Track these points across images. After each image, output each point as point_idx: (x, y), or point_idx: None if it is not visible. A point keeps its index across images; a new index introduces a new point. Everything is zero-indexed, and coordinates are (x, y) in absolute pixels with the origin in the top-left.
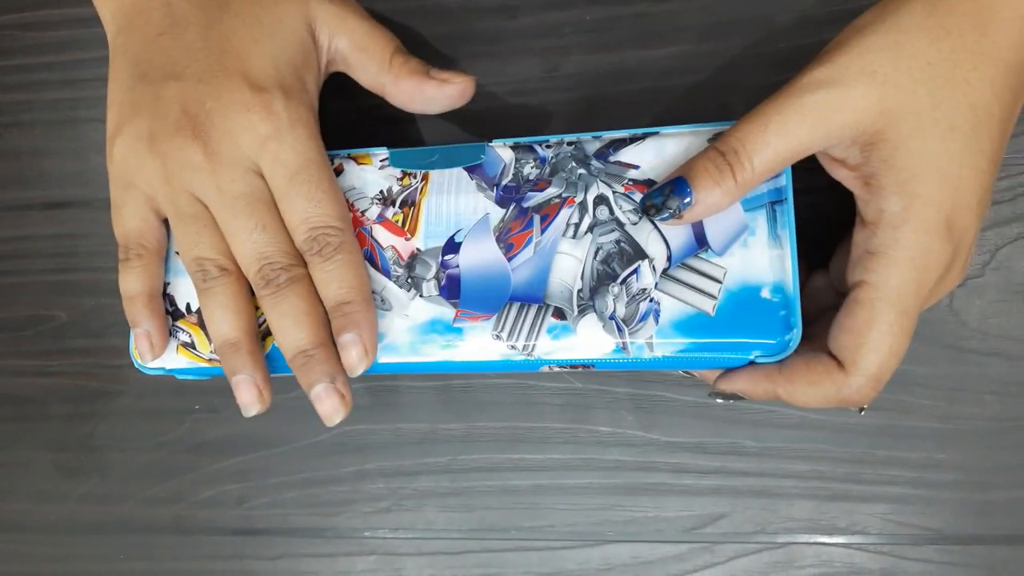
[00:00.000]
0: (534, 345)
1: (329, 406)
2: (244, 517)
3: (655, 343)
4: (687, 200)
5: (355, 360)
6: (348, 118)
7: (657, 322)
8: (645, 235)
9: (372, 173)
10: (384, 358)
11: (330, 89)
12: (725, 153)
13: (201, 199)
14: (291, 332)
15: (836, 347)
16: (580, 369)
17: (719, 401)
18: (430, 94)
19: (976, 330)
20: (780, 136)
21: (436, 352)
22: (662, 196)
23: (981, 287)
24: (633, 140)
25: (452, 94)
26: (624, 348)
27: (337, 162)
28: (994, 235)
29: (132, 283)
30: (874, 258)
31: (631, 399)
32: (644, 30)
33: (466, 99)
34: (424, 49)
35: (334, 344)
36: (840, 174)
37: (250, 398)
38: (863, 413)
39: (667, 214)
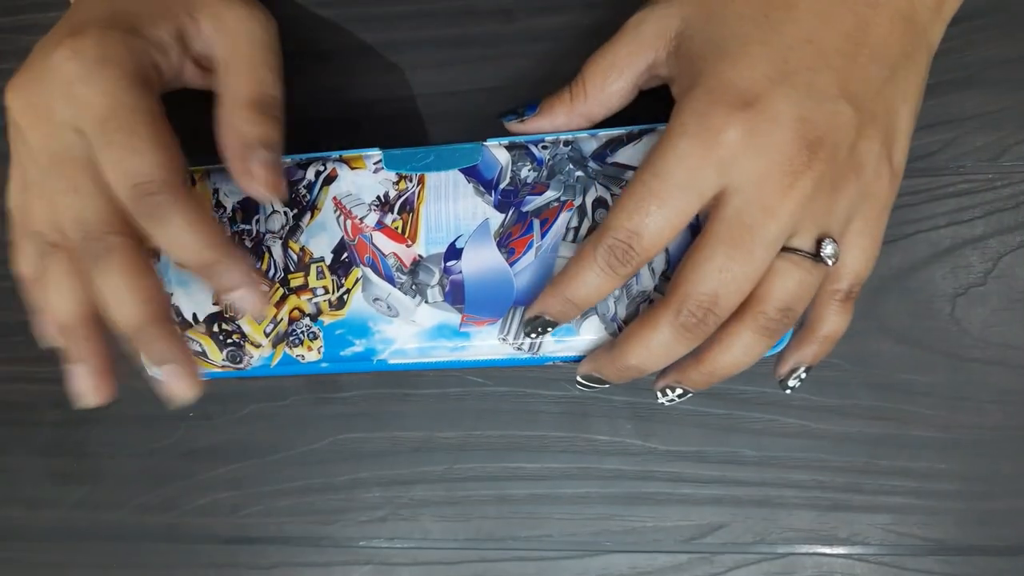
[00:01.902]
0: (539, 345)
1: (174, 390)
2: (238, 525)
3: None
4: (533, 112)
5: (256, 309)
6: (341, 117)
7: None
8: None
9: (367, 177)
10: (394, 360)
11: (318, 87)
12: (571, 81)
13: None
14: (118, 309)
15: None
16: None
17: (584, 389)
18: (233, 169)
19: (978, 339)
20: (605, 56)
21: (445, 355)
22: (516, 105)
23: (983, 295)
24: (630, 139)
25: (246, 189)
26: None
27: (330, 167)
28: (996, 243)
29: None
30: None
31: (629, 407)
32: None
33: (262, 201)
34: (418, 53)
35: (167, 322)
36: (675, 93)
37: (83, 388)
38: (788, 391)
39: (512, 116)
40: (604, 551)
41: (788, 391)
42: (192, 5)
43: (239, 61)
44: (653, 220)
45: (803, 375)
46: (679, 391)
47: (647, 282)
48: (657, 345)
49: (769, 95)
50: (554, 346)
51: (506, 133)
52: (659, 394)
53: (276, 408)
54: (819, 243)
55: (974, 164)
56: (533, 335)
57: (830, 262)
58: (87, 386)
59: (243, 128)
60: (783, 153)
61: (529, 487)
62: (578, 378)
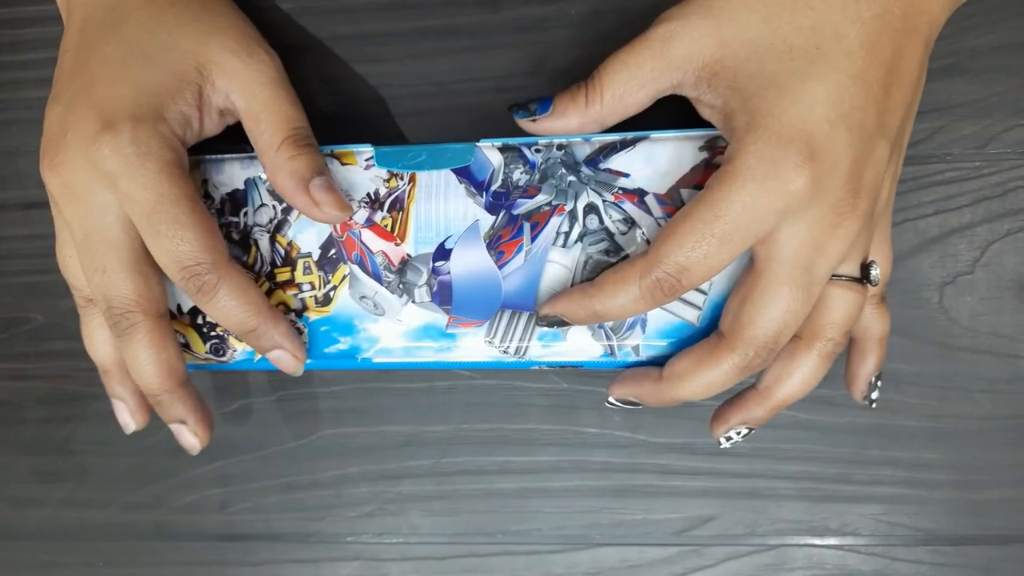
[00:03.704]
0: (526, 349)
1: (183, 443)
2: (226, 522)
3: (641, 349)
4: (545, 111)
5: (292, 368)
6: (327, 111)
7: (644, 331)
8: (634, 245)
9: (358, 174)
10: (379, 359)
11: (300, 80)
12: (587, 79)
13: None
14: (138, 377)
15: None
16: (569, 369)
17: (613, 407)
18: (299, 204)
19: (967, 328)
20: (628, 66)
21: (430, 356)
22: (528, 100)
23: (972, 284)
24: (623, 145)
25: (318, 217)
26: (612, 353)
27: None
28: (984, 231)
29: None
30: (721, 165)
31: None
32: (628, 24)
33: (334, 222)
34: (404, 44)
35: (182, 388)
36: (706, 114)
37: (123, 419)
38: (873, 406)
39: (523, 112)
40: (594, 544)
41: (874, 405)
42: (201, 64)
43: (261, 108)
44: (709, 260)
45: (879, 383)
46: (743, 431)
47: None
48: (715, 383)
49: (830, 142)
50: (540, 351)
51: (491, 129)
52: (722, 440)
53: (263, 404)
54: (863, 267)
55: (961, 152)
56: (545, 327)
57: (876, 283)
58: (125, 418)
59: (289, 167)
60: (836, 196)
61: (518, 481)
62: (611, 399)
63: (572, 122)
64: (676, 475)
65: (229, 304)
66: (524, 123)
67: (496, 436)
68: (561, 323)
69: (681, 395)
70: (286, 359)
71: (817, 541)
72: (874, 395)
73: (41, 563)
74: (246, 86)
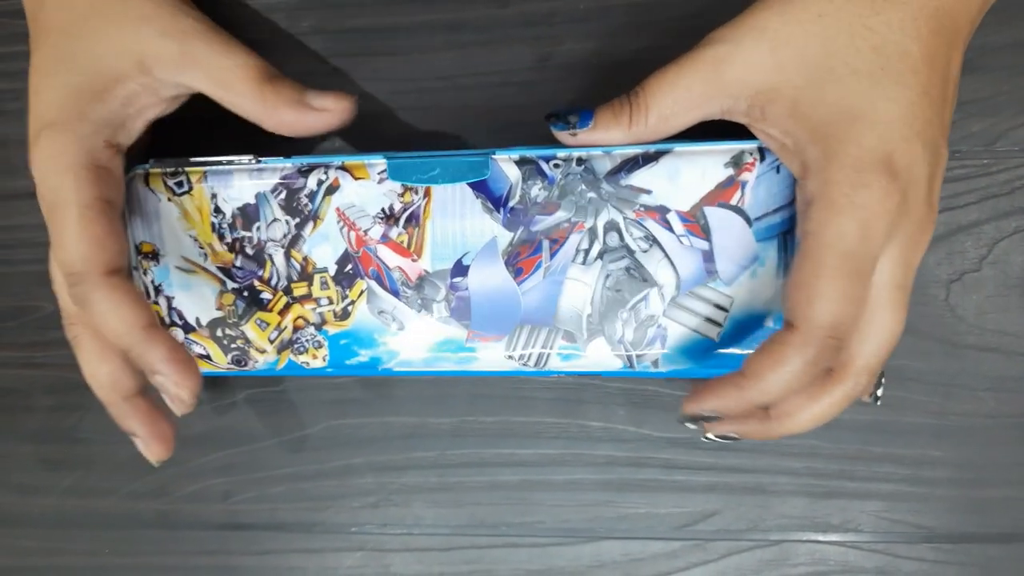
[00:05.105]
0: (547, 360)
1: (142, 452)
2: (230, 512)
3: (660, 363)
4: (586, 126)
5: (169, 392)
6: None
7: (664, 346)
8: (655, 263)
9: (371, 188)
10: (400, 369)
11: (306, 74)
12: (631, 95)
13: None
14: (91, 387)
15: (787, 308)
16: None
17: (708, 442)
18: (310, 123)
19: (973, 325)
20: (676, 87)
21: (450, 366)
22: (567, 111)
23: (978, 281)
24: (646, 160)
25: (332, 122)
26: (631, 365)
27: (332, 175)
28: (992, 229)
29: None
30: (810, 207)
31: (623, 394)
32: (637, 19)
33: (347, 120)
34: (412, 38)
35: (128, 401)
36: (762, 138)
37: (144, 453)
38: (879, 403)
39: (562, 125)
40: (597, 538)
41: (879, 402)
42: (143, 62)
43: (223, 77)
44: (856, 303)
45: (883, 380)
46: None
47: (656, 307)
48: (825, 417)
49: (911, 161)
50: (560, 363)
51: (498, 124)
52: (715, 438)
53: (269, 394)
54: None
55: (969, 149)
56: (691, 425)
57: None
58: (144, 452)
59: (282, 96)
60: (919, 213)
61: (522, 473)
62: (710, 435)
63: (615, 138)
64: (679, 470)
65: (104, 319)
66: (562, 136)
67: (500, 428)
68: (707, 419)
69: (794, 431)
70: (166, 386)
71: (819, 537)
72: (879, 391)
73: (46, 550)
74: (196, 63)
